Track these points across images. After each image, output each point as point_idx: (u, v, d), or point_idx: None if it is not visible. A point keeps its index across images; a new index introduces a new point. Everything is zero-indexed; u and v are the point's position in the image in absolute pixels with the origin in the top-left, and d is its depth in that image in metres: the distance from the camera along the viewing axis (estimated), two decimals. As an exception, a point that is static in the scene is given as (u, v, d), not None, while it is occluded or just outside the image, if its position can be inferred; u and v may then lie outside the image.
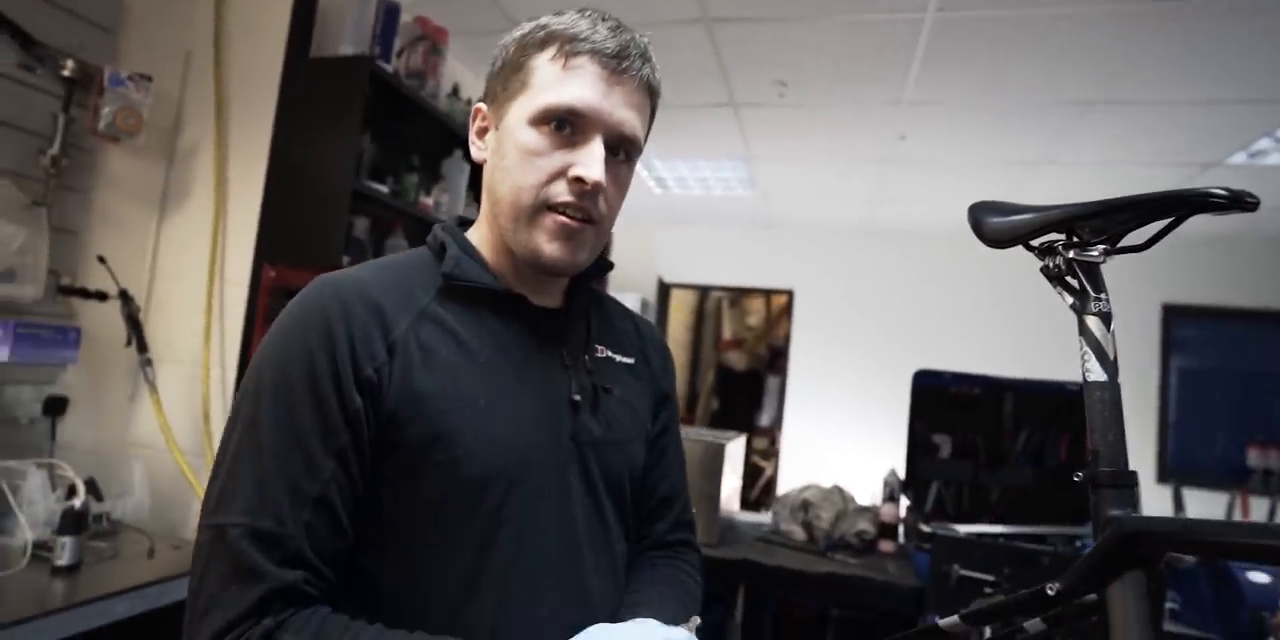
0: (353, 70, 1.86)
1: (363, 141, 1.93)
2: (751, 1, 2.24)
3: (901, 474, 2.22)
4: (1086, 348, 0.69)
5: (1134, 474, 0.65)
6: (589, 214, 0.68)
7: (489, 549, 0.64)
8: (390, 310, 0.66)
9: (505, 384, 0.68)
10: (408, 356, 0.64)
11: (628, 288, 4.95)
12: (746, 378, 5.96)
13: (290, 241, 1.84)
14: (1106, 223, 0.71)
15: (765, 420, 5.74)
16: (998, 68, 2.53)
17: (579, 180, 0.66)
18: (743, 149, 3.64)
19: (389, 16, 1.96)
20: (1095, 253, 0.71)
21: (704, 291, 6.09)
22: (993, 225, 0.80)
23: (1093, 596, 0.62)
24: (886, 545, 2.12)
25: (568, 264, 0.69)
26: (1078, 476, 0.67)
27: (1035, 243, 0.77)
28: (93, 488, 1.60)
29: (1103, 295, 0.70)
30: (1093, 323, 0.69)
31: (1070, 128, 2.99)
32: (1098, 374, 0.68)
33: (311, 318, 0.63)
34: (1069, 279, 0.72)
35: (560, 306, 0.78)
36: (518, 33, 0.72)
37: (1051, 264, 0.73)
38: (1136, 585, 0.58)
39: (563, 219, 0.67)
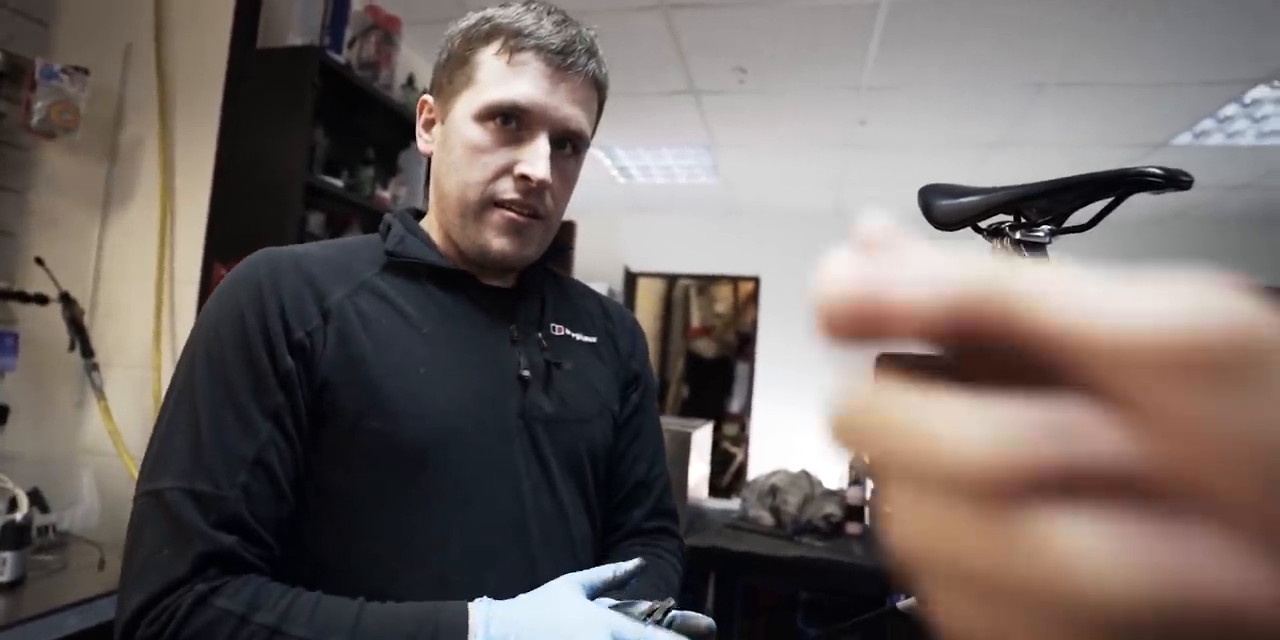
0: (302, 61, 1.81)
1: (315, 134, 1.88)
2: (708, -13, 2.22)
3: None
4: None
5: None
6: (535, 210, 0.68)
7: (426, 522, 0.63)
8: (324, 279, 0.65)
9: (447, 355, 0.67)
10: (344, 322, 0.64)
11: (594, 277, 4.93)
12: (716, 365, 5.99)
13: (242, 238, 1.79)
14: (1051, 203, 0.71)
15: (735, 407, 5.77)
16: (953, 50, 2.55)
17: (524, 178, 0.66)
18: (705, 136, 3.63)
19: (339, 5, 1.91)
20: (1041, 233, 0.72)
21: (671, 280, 6.09)
22: (942, 208, 0.80)
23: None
24: (853, 527, 2.16)
25: (516, 259, 0.69)
26: None
27: (984, 224, 0.77)
28: (37, 498, 1.55)
29: None
30: None
31: (1026, 109, 3.03)
32: None
33: (243, 284, 0.63)
34: None
35: (512, 286, 0.77)
36: (463, 24, 0.70)
37: (999, 245, 0.74)
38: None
39: (510, 214, 0.67)
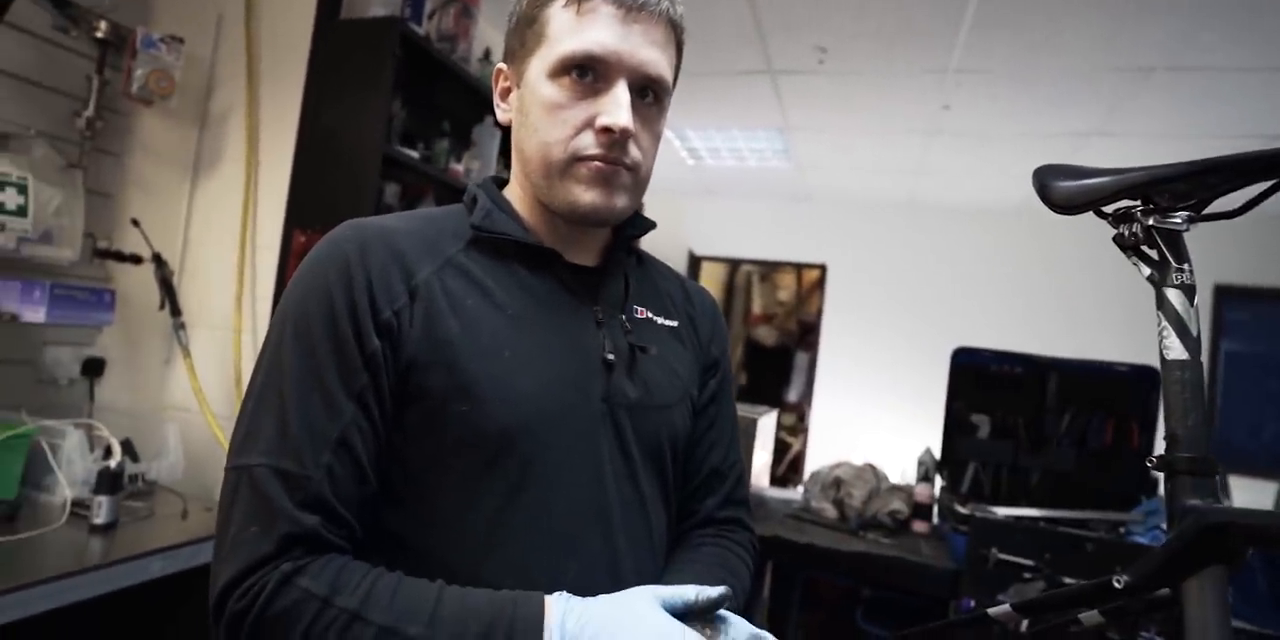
0: (383, 32, 1.82)
1: (393, 106, 1.89)
2: (795, -40, 2.14)
3: (937, 453, 2.17)
4: (1166, 323, 0.64)
5: (1215, 461, 0.60)
6: (621, 160, 0.66)
7: (510, 507, 0.62)
8: (413, 255, 0.64)
9: (533, 338, 0.66)
10: (431, 301, 0.63)
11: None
12: (775, 353, 5.90)
13: (320, 207, 1.82)
14: (1192, 187, 0.65)
15: (793, 396, 5.68)
16: (1052, 32, 2.40)
17: (606, 129, 0.63)
18: (779, 118, 3.53)
19: (420, -24, 1.91)
20: (1178, 220, 0.65)
21: (734, 265, 6.01)
22: (1062, 189, 0.74)
23: (1165, 591, 0.57)
24: (920, 526, 2.09)
25: (607, 210, 0.66)
26: (1151, 461, 0.62)
27: (1109, 209, 0.71)
28: (129, 449, 1.63)
29: (1186, 266, 0.65)
30: (1173, 296, 0.64)
31: (1127, 96, 2.83)
32: (1178, 351, 0.63)
33: (331, 259, 0.62)
34: (1146, 248, 0.67)
35: (597, 264, 0.75)
36: None
37: (1128, 232, 0.68)
38: (1217, 582, 0.53)
39: (596, 164, 0.65)
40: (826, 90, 3.11)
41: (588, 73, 0.64)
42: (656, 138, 0.70)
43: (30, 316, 1.51)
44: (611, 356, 0.69)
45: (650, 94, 0.67)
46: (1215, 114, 2.94)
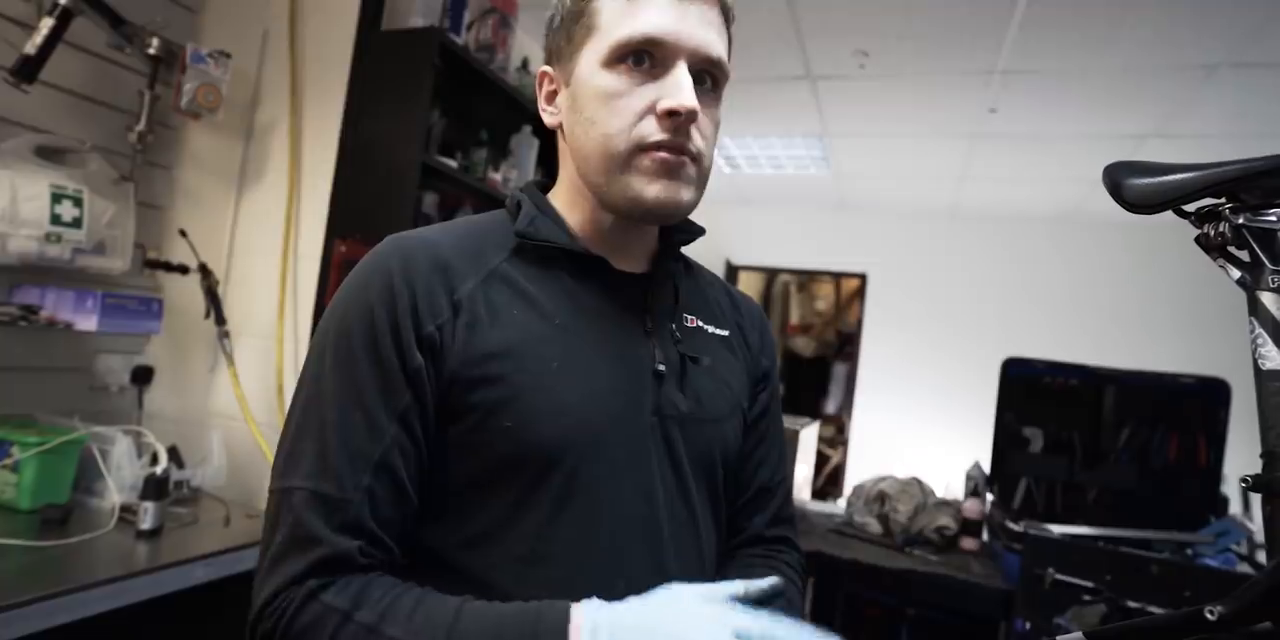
0: (423, 43, 1.83)
1: (432, 116, 1.91)
2: (835, -37, 2.10)
3: (986, 468, 2.09)
4: (1261, 330, 0.59)
5: (1319, 483, 0.55)
6: (684, 148, 0.62)
7: (557, 522, 0.60)
8: (457, 268, 0.62)
9: (581, 348, 0.64)
10: (474, 315, 0.61)
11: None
12: (813, 364, 5.80)
13: (360, 216, 1.84)
14: None
15: (832, 407, 5.57)
16: (1107, 30, 2.31)
17: (671, 113, 0.60)
18: (818, 125, 3.48)
19: (460, -13, 1.93)
20: (1274, 217, 0.60)
21: (771, 275, 5.94)
22: (1137, 187, 0.69)
23: (1266, 625, 0.52)
24: (969, 543, 2.00)
25: (674, 204, 0.63)
26: (1246, 480, 0.57)
27: (1190, 207, 0.67)
28: (175, 455, 1.65)
29: None
30: (1269, 299, 0.59)
31: (1188, 95, 2.71)
32: (1275, 361, 0.58)
33: (374, 275, 0.61)
34: (1235, 250, 0.62)
35: (645, 271, 0.72)
36: None
37: (1214, 232, 0.63)
38: (1326, 615, 0.48)
39: (660, 154, 0.62)
40: (867, 95, 3.06)
41: (645, 58, 0.61)
42: (716, 127, 0.67)
43: (83, 325, 1.55)
44: (662, 367, 0.67)
45: (708, 79, 0.65)
46: (1282, 113, 2.81)
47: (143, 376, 1.73)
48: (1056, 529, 1.84)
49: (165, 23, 1.74)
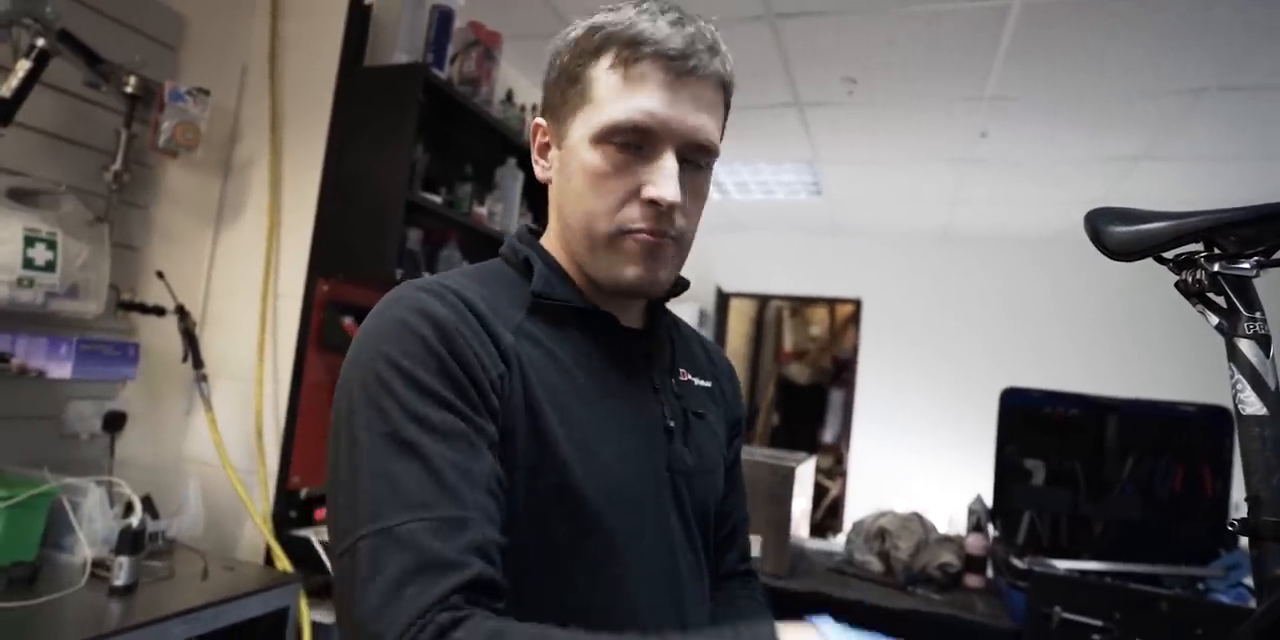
0: (406, 78, 1.82)
1: (416, 151, 1.88)
2: (820, -6, 2.10)
3: (989, 501, 2.04)
4: (1240, 376, 0.61)
5: (1308, 526, 0.55)
6: (667, 232, 0.64)
7: (593, 581, 0.61)
8: (491, 320, 0.61)
9: (603, 407, 0.65)
10: (521, 369, 0.61)
11: (684, 297, 4.83)
12: (809, 391, 5.74)
13: (343, 254, 1.81)
14: (1261, 232, 0.62)
15: (829, 436, 5.50)
16: (1095, 56, 2.32)
17: (652, 202, 0.62)
18: (808, 151, 3.48)
19: (442, 22, 1.91)
20: (1247, 265, 0.62)
21: (763, 301, 5.91)
22: (1117, 235, 0.71)
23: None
24: (973, 580, 1.94)
25: (650, 284, 0.65)
26: (1233, 525, 0.59)
27: (1169, 254, 0.68)
28: (149, 505, 1.59)
29: (1257, 314, 0.62)
30: (1246, 346, 0.61)
31: (1177, 119, 2.72)
32: (1255, 407, 0.59)
33: (425, 319, 0.57)
34: (1213, 296, 0.64)
35: (643, 326, 0.75)
36: (571, 35, 0.65)
37: (1191, 279, 0.65)
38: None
39: (642, 237, 0.63)
40: (856, 122, 3.06)
41: (634, 142, 0.62)
42: (702, 201, 0.68)
43: (57, 372, 1.50)
44: (672, 423, 0.69)
45: (700, 160, 0.66)
46: (1271, 134, 2.81)
47: (115, 423, 1.67)
48: (1062, 564, 1.79)
49: (144, 61, 1.72)
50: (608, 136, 0.62)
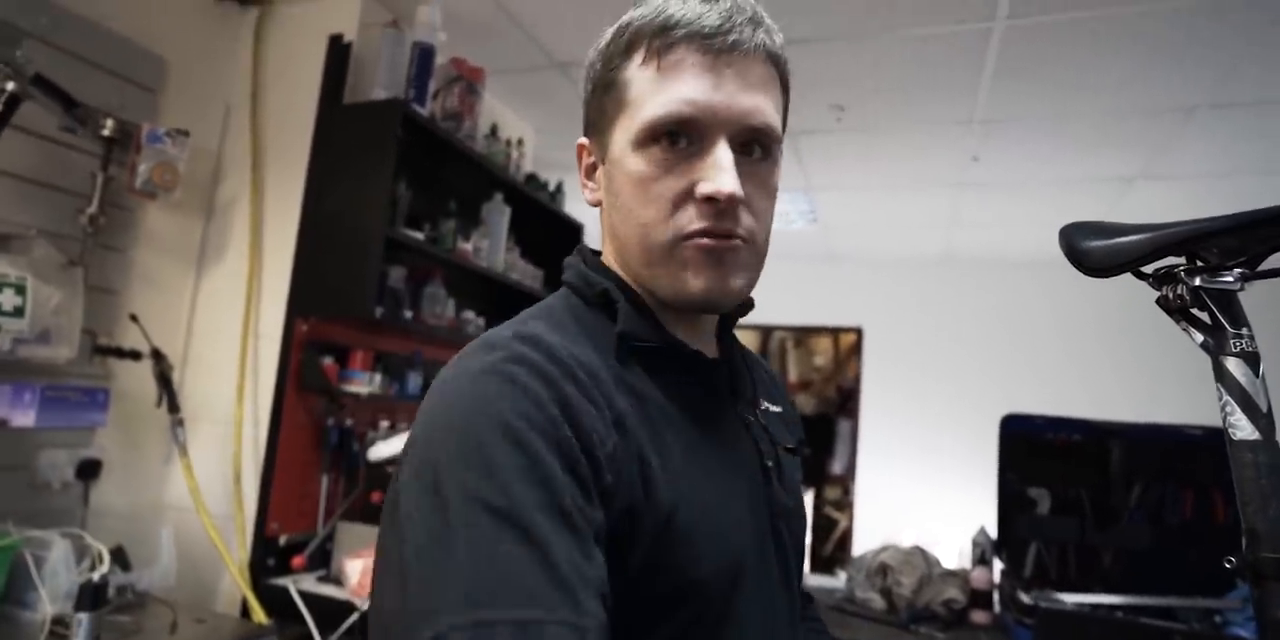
0: (385, 114, 1.81)
1: (398, 187, 1.87)
2: (800, 22, 2.10)
3: (993, 532, 1.96)
4: (1229, 398, 0.56)
5: (1312, 560, 0.50)
6: (732, 233, 0.55)
7: None
8: (592, 378, 0.51)
9: (708, 459, 0.57)
10: (634, 434, 0.51)
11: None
12: (816, 422, 5.64)
13: (322, 293, 1.78)
14: (1243, 241, 0.58)
15: (838, 468, 5.38)
16: (1081, 76, 2.30)
17: (709, 200, 0.53)
18: (801, 180, 3.47)
19: (423, 59, 1.92)
20: (1230, 278, 0.58)
21: (766, 332, 5.85)
22: (1092, 250, 0.66)
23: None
24: (980, 616, 1.86)
25: (721, 295, 0.56)
26: (1230, 562, 0.54)
27: (1148, 269, 0.64)
28: (120, 556, 1.54)
29: (1244, 330, 0.57)
30: (1233, 365, 0.56)
31: (1170, 137, 2.70)
32: (1246, 431, 0.55)
33: (538, 374, 0.48)
34: (1196, 312, 0.59)
35: (718, 355, 0.66)
36: (601, 43, 0.60)
37: (1172, 294, 0.60)
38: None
39: (704, 242, 0.55)
40: (848, 148, 3.05)
41: (680, 137, 0.55)
42: (772, 197, 0.60)
43: (20, 421, 1.47)
44: (770, 464, 0.63)
45: (757, 148, 0.57)
46: (1266, 150, 2.79)
47: (89, 471, 1.63)
48: (1070, 598, 1.71)
49: (123, 104, 1.72)
50: (650, 137, 0.55)
